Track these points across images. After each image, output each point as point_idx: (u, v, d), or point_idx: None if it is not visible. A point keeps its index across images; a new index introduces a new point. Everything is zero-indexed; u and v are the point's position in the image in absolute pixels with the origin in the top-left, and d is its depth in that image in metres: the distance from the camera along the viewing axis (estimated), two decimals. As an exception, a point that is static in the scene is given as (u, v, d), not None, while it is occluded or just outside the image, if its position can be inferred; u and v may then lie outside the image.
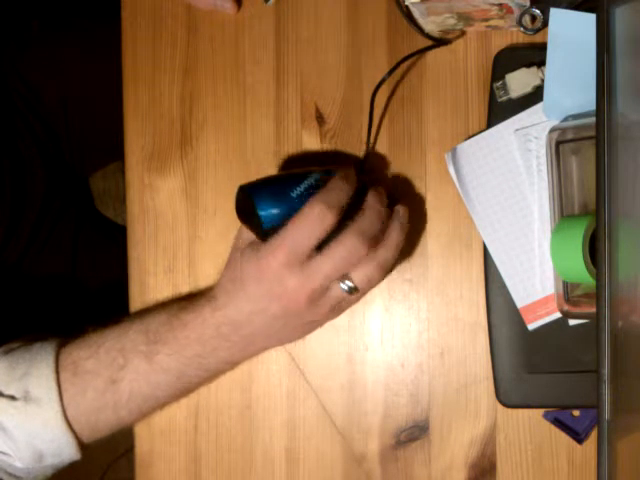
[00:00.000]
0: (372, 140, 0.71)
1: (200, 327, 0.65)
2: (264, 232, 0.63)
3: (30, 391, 0.66)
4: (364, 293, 0.65)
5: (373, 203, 0.64)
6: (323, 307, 0.64)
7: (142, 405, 0.68)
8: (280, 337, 0.67)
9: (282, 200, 0.63)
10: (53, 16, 1.02)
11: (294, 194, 0.63)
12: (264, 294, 0.63)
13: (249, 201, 0.63)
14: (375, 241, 0.63)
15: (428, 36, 0.69)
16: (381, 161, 0.72)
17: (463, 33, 0.70)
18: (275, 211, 0.63)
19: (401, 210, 0.66)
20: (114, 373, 0.66)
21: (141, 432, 0.75)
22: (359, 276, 0.63)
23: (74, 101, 0.99)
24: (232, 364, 0.69)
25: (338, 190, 0.62)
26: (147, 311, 0.70)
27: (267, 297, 0.63)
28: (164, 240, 0.75)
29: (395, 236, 0.65)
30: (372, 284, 0.64)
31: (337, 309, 0.66)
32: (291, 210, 0.62)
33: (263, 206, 0.63)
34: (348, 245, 0.61)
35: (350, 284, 0.63)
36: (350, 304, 0.66)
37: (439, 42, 0.70)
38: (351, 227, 0.62)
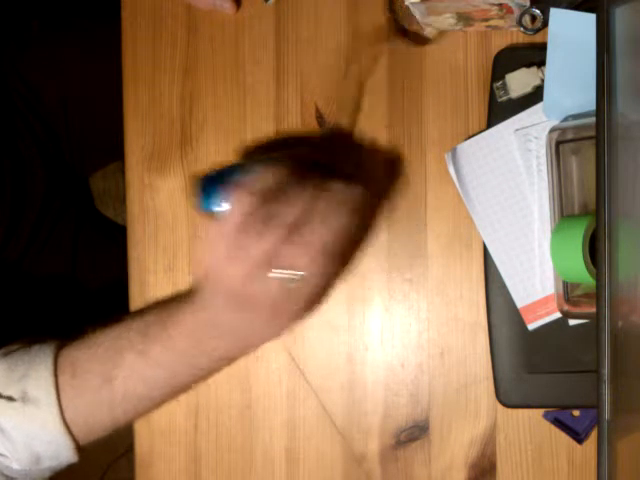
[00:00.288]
0: (335, 116, 0.70)
1: (190, 321, 0.65)
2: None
3: (28, 392, 0.66)
4: (317, 280, 0.61)
5: (295, 187, 0.61)
6: (269, 296, 0.61)
7: (137, 405, 0.68)
8: (260, 333, 0.66)
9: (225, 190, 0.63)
10: (53, 16, 1.02)
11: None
12: (213, 287, 0.63)
13: (198, 191, 0.66)
14: (300, 225, 0.60)
15: (404, 32, 0.69)
16: (383, 160, 0.72)
17: (440, 34, 0.70)
18: (218, 202, 0.64)
19: (340, 187, 0.62)
20: (109, 371, 0.66)
21: (141, 432, 0.75)
22: (297, 261, 0.60)
23: (74, 101, 0.99)
24: (226, 360, 0.68)
25: (263, 175, 0.60)
26: (147, 308, 0.71)
27: (215, 290, 0.63)
28: (164, 240, 0.75)
29: (330, 216, 0.60)
30: (317, 268, 0.60)
31: (301, 299, 0.62)
32: None
33: (206, 199, 0.65)
34: (261, 233, 0.59)
35: (290, 270, 0.60)
36: (310, 295, 0.63)
37: (415, 41, 0.70)
38: (263, 212, 0.60)
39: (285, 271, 0.60)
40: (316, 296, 0.63)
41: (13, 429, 0.66)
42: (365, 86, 0.72)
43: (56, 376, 0.66)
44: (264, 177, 0.61)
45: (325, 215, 0.60)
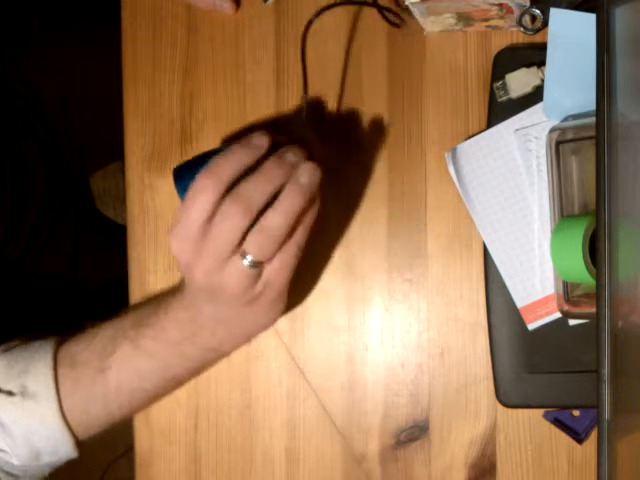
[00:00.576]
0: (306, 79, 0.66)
1: (181, 314, 0.65)
2: None
3: (28, 387, 0.66)
4: (280, 266, 0.60)
5: (267, 166, 0.58)
6: (236, 284, 0.60)
7: (131, 399, 0.69)
8: (242, 324, 0.65)
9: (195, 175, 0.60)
10: (53, 16, 1.02)
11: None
12: (187, 281, 0.62)
13: (175, 181, 0.63)
14: (261, 212, 0.58)
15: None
16: (383, 160, 0.72)
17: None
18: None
19: (305, 168, 0.59)
20: (103, 361, 0.67)
21: (141, 431, 0.75)
22: (250, 245, 0.58)
23: (74, 101, 0.99)
24: (217, 352, 0.68)
25: (225, 160, 0.57)
26: (143, 302, 0.72)
27: (190, 285, 0.62)
28: (164, 240, 0.75)
29: (288, 199, 0.57)
30: (265, 254, 0.59)
31: (273, 288, 0.62)
32: None
33: (182, 189, 0.61)
34: (227, 214, 0.57)
35: (245, 256, 0.58)
36: (280, 283, 0.62)
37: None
38: (230, 193, 0.57)
39: (247, 259, 0.59)
40: (285, 284, 0.62)
41: (13, 424, 0.66)
42: (365, 85, 0.72)
43: (55, 371, 0.67)
44: (225, 162, 0.57)
45: (285, 196, 0.58)
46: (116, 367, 0.67)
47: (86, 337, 0.69)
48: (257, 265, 0.59)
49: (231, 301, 0.62)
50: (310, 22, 0.65)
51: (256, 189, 0.57)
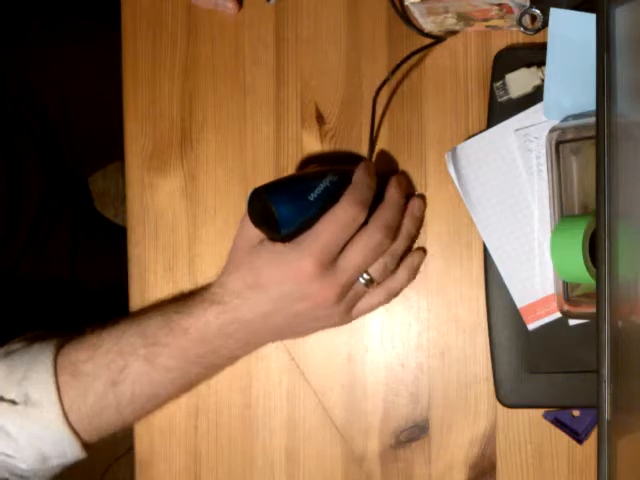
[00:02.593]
0: (375, 140, 0.71)
1: (203, 329, 0.65)
2: (282, 237, 0.63)
3: (30, 395, 0.65)
4: (380, 287, 0.67)
5: (395, 195, 0.66)
6: (347, 303, 0.65)
7: (146, 404, 0.68)
8: (288, 335, 0.68)
9: (300, 203, 0.63)
10: (53, 16, 1.02)
11: (311, 197, 0.63)
12: (289, 296, 0.63)
13: (266, 205, 0.63)
14: (396, 233, 0.65)
15: (426, 34, 0.69)
16: (384, 160, 0.72)
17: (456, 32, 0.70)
18: (293, 215, 0.63)
19: (417, 201, 0.69)
20: (114, 375, 0.66)
21: (141, 432, 0.75)
22: (376, 267, 0.65)
23: (74, 101, 0.98)
24: (235, 359, 0.69)
25: (366, 186, 0.64)
26: (143, 313, 0.69)
27: (291, 298, 0.63)
28: (164, 240, 0.75)
29: (410, 227, 0.68)
30: (386, 275, 0.66)
31: (356, 310, 0.67)
32: (308, 213, 0.63)
33: (281, 210, 0.62)
34: (375, 239, 0.63)
35: (367, 277, 0.65)
36: (369, 307, 0.68)
37: (437, 39, 0.69)
38: (377, 221, 0.64)
39: (363, 277, 0.65)
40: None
41: (18, 432, 0.66)
42: (365, 86, 0.72)
43: (56, 377, 0.66)
44: (366, 188, 0.63)
45: (407, 224, 0.67)
46: (130, 380, 0.66)
47: (87, 346, 0.67)
48: (369, 284, 0.66)
49: (326, 315, 0.65)
50: (385, 81, 0.69)
51: (395, 216, 0.65)
